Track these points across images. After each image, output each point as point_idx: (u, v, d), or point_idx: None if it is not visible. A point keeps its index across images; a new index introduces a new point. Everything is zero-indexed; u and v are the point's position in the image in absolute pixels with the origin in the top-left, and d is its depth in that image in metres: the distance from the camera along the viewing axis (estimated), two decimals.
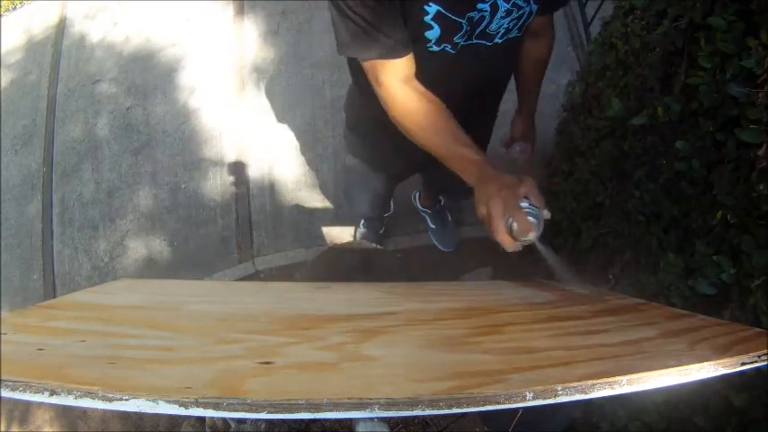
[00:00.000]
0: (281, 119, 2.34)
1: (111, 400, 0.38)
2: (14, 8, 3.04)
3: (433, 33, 0.80)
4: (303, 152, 2.26)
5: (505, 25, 0.84)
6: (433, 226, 2.02)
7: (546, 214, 0.71)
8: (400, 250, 2.03)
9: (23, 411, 1.97)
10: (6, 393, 0.38)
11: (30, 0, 3.02)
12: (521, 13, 0.83)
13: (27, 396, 0.39)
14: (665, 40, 0.96)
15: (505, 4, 0.80)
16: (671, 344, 0.54)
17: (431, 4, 0.76)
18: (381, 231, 2.03)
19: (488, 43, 0.87)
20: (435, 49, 0.83)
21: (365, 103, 0.99)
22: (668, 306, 0.76)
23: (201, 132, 2.39)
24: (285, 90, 2.39)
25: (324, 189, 2.20)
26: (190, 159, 2.34)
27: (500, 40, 0.87)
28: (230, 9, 2.65)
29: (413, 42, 0.80)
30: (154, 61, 2.58)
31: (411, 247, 2.06)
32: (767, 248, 0.74)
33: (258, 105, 2.39)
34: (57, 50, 2.74)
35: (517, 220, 0.68)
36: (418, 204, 2.01)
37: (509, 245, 0.70)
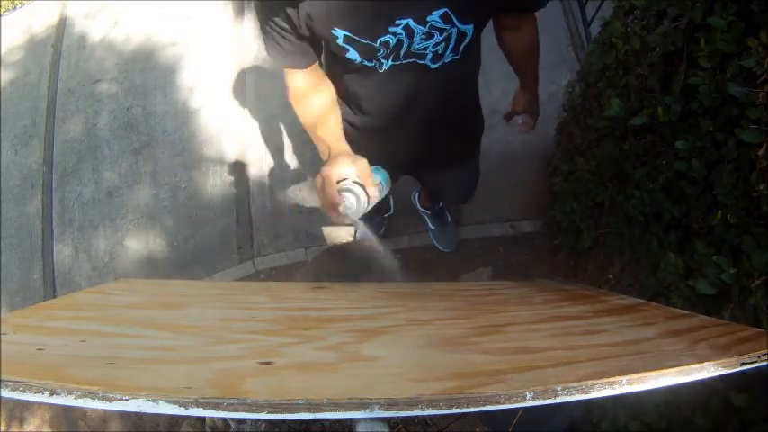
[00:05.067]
0: (280, 119, 2.34)
1: (111, 400, 0.38)
2: (14, 8, 3.04)
3: (353, 55, 0.82)
4: (303, 152, 2.26)
5: (431, 49, 0.81)
6: (432, 227, 2.02)
7: (372, 192, 0.81)
8: (400, 250, 2.03)
9: (23, 411, 1.97)
10: (6, 393, 0.38)
11: (30, 0, 3.02)
12: (445, 35, 0.79)
13: (27, 396, 0.38)
14: (665, 40, 0.96)
15: (422, 27, 0.77)
16: (671, 344, 0.54)
17: (336, 29, 0.77)
18: (381, 231, 2.03)
19: (421, 62, 0.84)
20: (368, 64, 0.84)
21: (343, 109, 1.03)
22: (668, 306, 0.75)
23: (201, 132, 2.38)
24: (285, 90, 2.39)
25: None
26: (190, 159, 2.34)
27: (434, 65, 0.85)
28: (230, 9, 2.65)
29: (341, 62, 0.86)
30: (154, 61, 2.58)
31: (411, 247, 2.06)
32: (767, 248, 0.74)
33: (258, 105, 2.39)
34: (57, 50, 2.74)
35: (328, 195, 0.80)
36: (418, 205, 2.01)
37: (331, 215, 0.84)
